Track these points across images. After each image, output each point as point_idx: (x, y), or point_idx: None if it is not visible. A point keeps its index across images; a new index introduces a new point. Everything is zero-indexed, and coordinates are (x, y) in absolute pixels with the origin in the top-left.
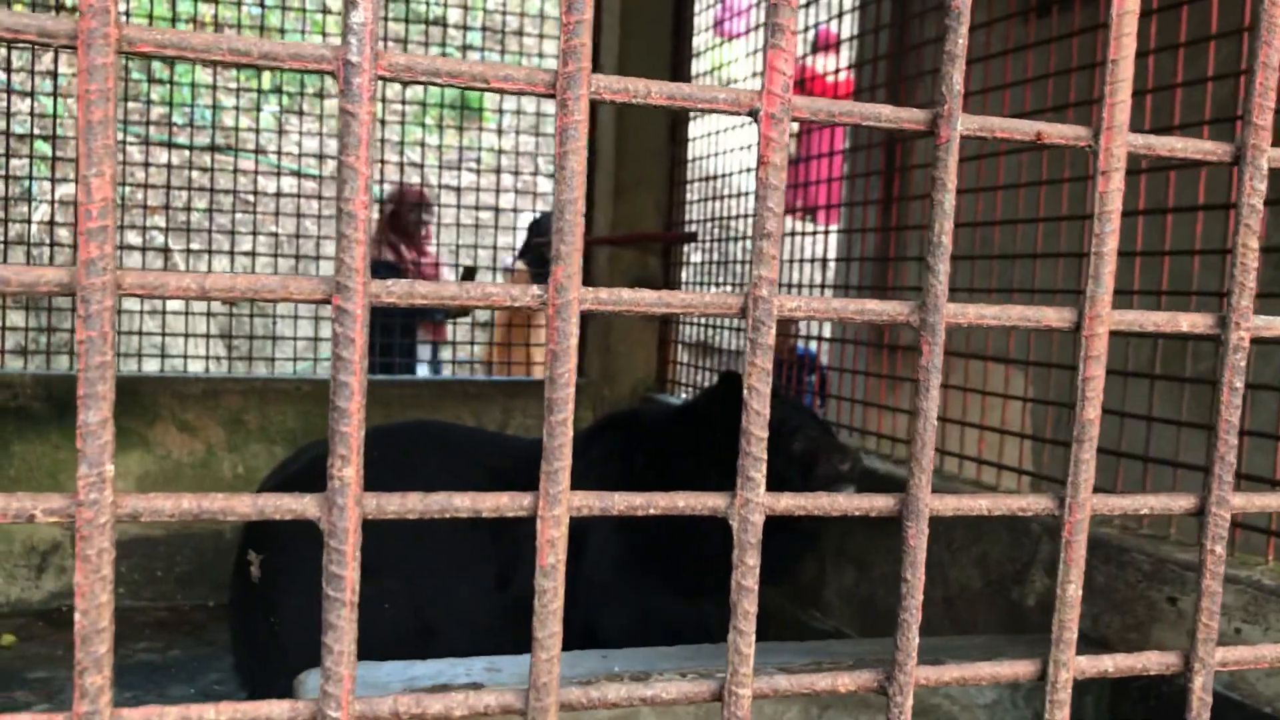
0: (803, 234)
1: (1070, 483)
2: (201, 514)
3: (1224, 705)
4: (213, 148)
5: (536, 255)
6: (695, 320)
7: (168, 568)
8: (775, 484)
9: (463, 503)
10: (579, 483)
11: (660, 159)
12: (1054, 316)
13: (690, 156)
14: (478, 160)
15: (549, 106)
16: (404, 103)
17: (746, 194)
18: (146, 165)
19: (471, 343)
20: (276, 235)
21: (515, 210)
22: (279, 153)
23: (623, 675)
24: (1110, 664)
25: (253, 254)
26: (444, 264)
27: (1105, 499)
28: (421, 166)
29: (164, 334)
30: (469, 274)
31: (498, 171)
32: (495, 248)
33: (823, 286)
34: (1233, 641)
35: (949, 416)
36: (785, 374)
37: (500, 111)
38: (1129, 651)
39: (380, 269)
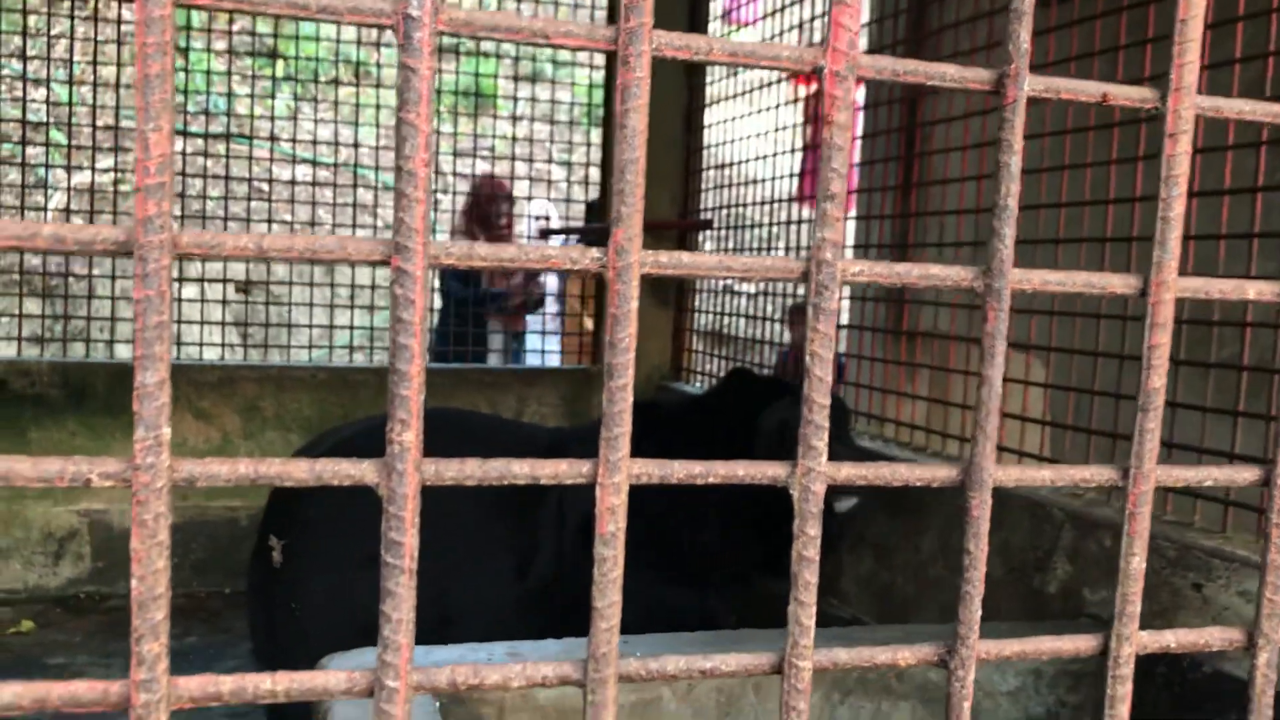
0: (811, 222)
1: (1135, 453)
2: (259, 478)
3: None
4: (227, 136)
5: (597, 237)
6: (710, 310)
7: (183, 554)
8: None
9: (521, 470)
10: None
11: (676, 147)
12: (1119, 283)
13: (705, 144)
14: (491, 149)
15: (562, 94)
16: None
17: (760, 181)
18: None
19: (543, 332)
20: (291, 224)
21: (529, 198)
22: (293, 140)
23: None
24: (1172, 639)
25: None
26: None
27: (1169, 469)
28: (436, 154)
29: (179, 321)
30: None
31: (512, 159)
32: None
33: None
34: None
35: (969, 403)
36: (796, 363)
37: (514, 99)
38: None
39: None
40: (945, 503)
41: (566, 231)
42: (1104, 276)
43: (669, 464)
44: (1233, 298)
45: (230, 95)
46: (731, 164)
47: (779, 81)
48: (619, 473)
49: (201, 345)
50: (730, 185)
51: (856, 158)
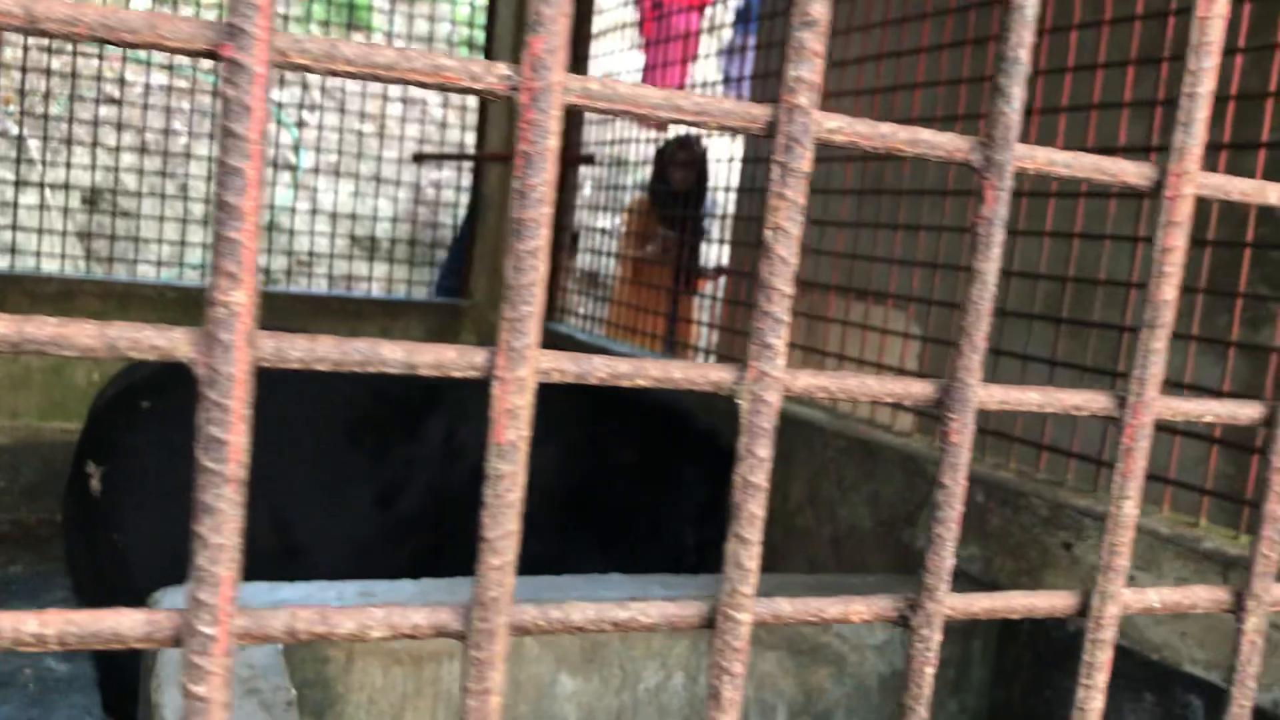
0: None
1: (1136, 378)
2: (24, 342)
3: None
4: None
5: (664, 192)
6: (590, 248)
7: (12, 478)
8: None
9: (393, 354)
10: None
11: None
12: (1133, 172)
13: (591, 74)
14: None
15: (441, 13)
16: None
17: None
18: None
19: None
20: (144, 131)
21: (403, 120)
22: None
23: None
24: (1156, 599)
25: (117, 149)
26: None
27: (1169, 402)
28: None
29: (14, 228)
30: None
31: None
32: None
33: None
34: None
35: (846, 354)
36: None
37: (390, 12)
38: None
39: None
40: (815, 451)
41: (445, 157)
42: (1116, 163)
43: (588, 359)
44: (1254, 199)
45: None
46: None
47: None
48: (523, 365)
49: (40, 255)
50: (610, 120)
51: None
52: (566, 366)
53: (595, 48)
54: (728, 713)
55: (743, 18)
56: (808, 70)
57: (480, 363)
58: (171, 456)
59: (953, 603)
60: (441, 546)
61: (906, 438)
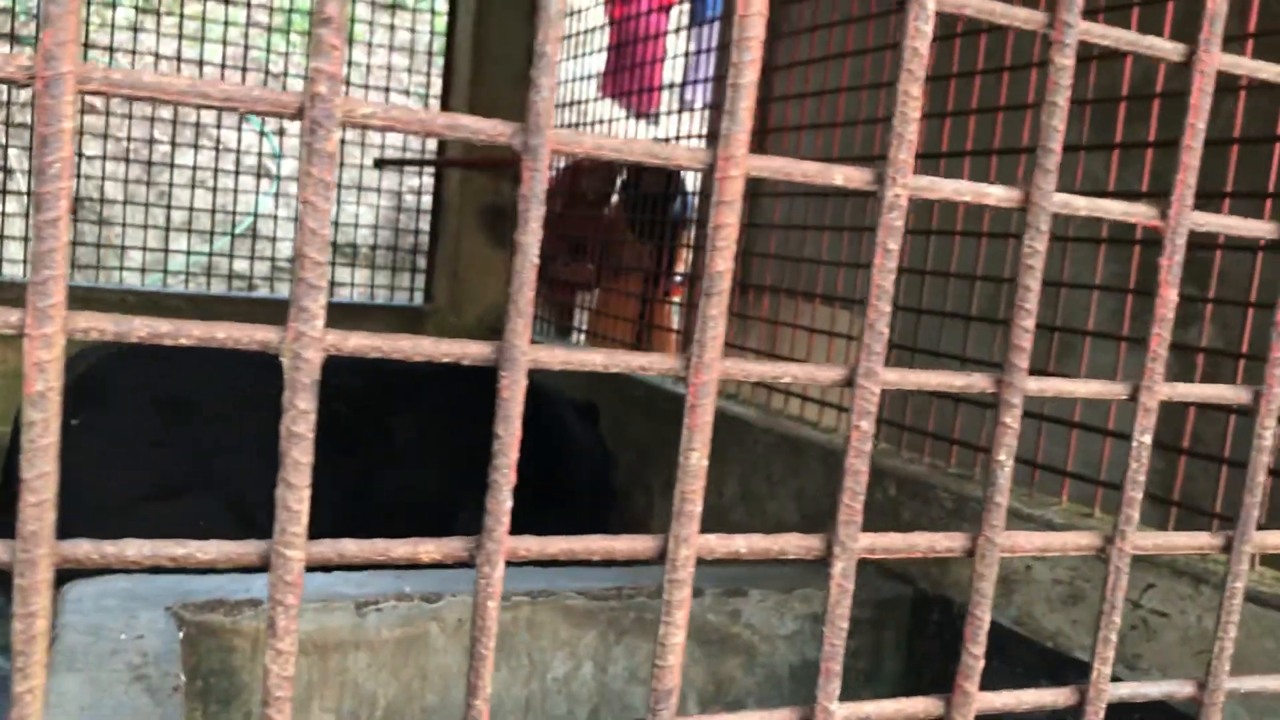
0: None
1: (697, 340)
2: None
3: (1009, 638)
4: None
5: (636, 197)
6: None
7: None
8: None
9: None
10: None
11: (521, 84)
12: (685, 155)
13: (599, 116)
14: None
15: (422, 24)
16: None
17: (610, 120)
18: None
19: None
20: (128, 142)
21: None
22: (133, 53)
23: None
24: (744, 545)
25: (103, 157)
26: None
27: (741, 364)
28: (284, 78)
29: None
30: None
31: (366, 89)
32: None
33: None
34: (1023, 579)
35: (779, 353)
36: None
37: (371, 24)
38: (930, 586)
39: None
40: (746, 448)
41: (405, 163)
42: (668, 147)
43: (127, 320)
44: (819, 182)
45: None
46: (575, 102)
47: None
48: (50, 322)
49: (2, 262)
50: (579, 123)
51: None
52: (104, 325)
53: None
54: (283, 639)
55: (697, 19)
56: (325, 62)
57: (14, 321)
58: (102, 471)
59: (522, 544)
60: None
61: (830, 433)
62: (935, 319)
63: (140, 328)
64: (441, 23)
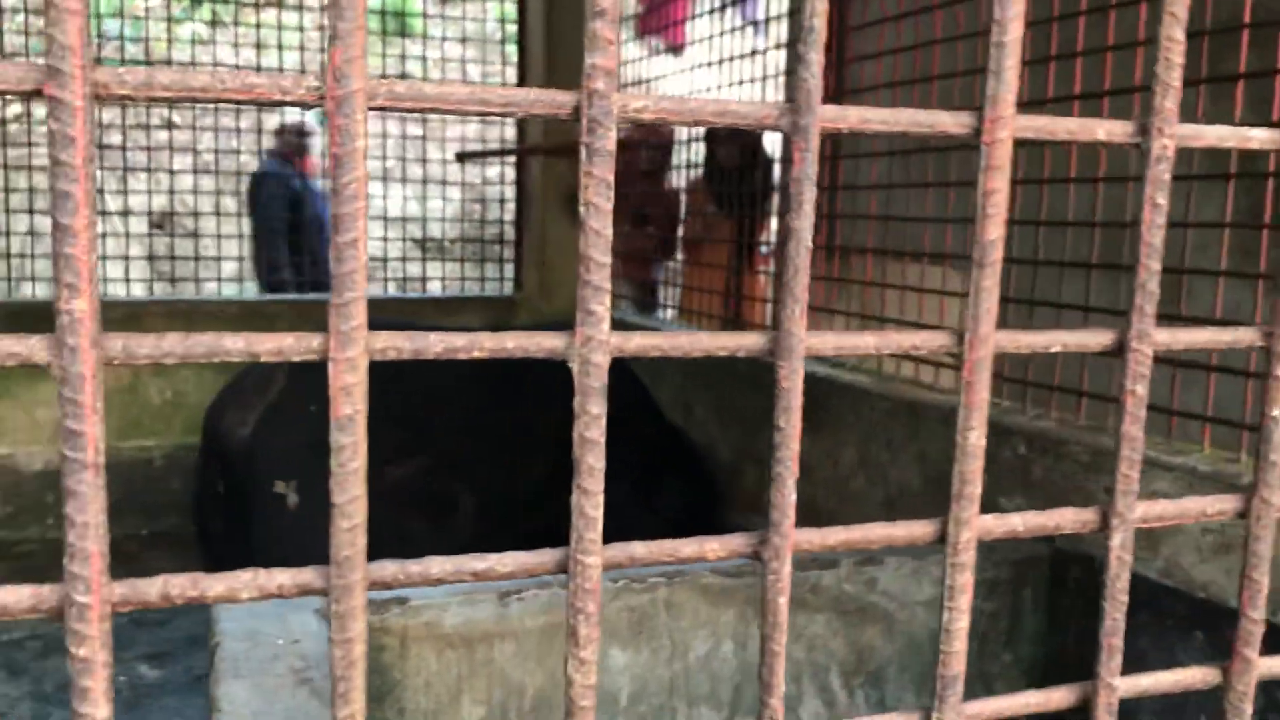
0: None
1: (970, 315)
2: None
3: (1159, 591)
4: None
5: (715, 169)
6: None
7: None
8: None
9: (234, 344)
10: None
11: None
12: (950, 121)
13: (625, 58)
14: (402, 74)
15: (473, 9)
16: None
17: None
18: None
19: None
20: (215, 153)
21: (445, 120)
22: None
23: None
24: (1020, 523)
25: (192, 170)
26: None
27: (1014, 335)
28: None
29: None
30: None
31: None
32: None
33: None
34: (1168, 528)
35: (886, 315)
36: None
37: (442, 17)
38: (1066, 547)
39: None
40: (863, 416)
41: (488, 154)
42: (932, 114)
43: (423, 336)
44: (1081, 139)
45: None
46: (649, 80)
47: None
48: (354, 346)
49: (106, 280)
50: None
51: None
52: (402, 344)
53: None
54: (585, 648)
55: None
56: (601, 57)
57: (317, 346)
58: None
59: (804, 537)
60: None
61: (948, 394)
62: (1054, 270)
63: (436, 343)
64: (508, 9)
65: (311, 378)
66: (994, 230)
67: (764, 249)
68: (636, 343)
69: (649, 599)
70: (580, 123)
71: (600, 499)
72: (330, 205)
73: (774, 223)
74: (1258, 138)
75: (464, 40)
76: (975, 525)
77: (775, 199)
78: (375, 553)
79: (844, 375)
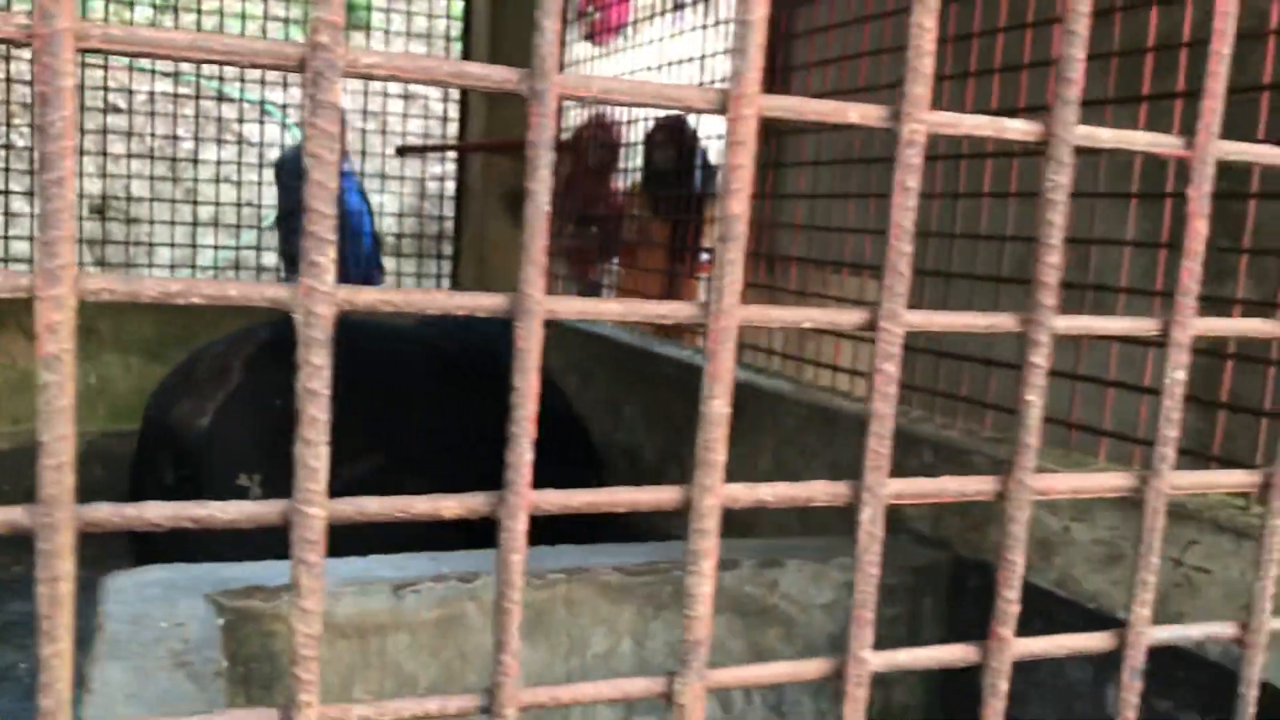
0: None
1: (715, 288)
2: None
3: (1052, 601)
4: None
5: (652, 173)
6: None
7: (15, 482)
8: None
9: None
10: None
11: None
12: (697, 97)
13: (572, 59)
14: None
15: (434, 6)
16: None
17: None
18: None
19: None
20: (152, 138)
21: (404, 115)
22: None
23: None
24: (769, 493)
25: (128, 156)
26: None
27: (762, 310)
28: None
29: (5, 237)
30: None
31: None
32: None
33: None
34: (1062, 540)
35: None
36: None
37: (388, 11)
38: (965, 555)
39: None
40: (779, 421)
41: (427, 149)
42: (681, 89)
43: (140, 279)
44: (832, 119)
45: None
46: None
47: None
48: (59, 284)
49: (33, 262)
50: (592, 106)
51: None
52: (116, 286)
53: None
54: (307, 599)
55: None
56: (326, 10)
57: (24, 284)
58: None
59: (544, 499)
60: None
61: (862, 403)
62: (965, 283)
63: (151, 287)
64: (457, 8)
65: (274, 370)
66: (737, 205)
67: (704, 256)
68: (366, 298)
69: (548, 595)
70: (304, 72)
71: (324, 450)
72: (39, 144)
73: (711, 229)
74: (1014, 128)
75: (408, 35)
76: (719, 493)
77: (713, 204)
78: (333, 550)
79: (763, 380)
